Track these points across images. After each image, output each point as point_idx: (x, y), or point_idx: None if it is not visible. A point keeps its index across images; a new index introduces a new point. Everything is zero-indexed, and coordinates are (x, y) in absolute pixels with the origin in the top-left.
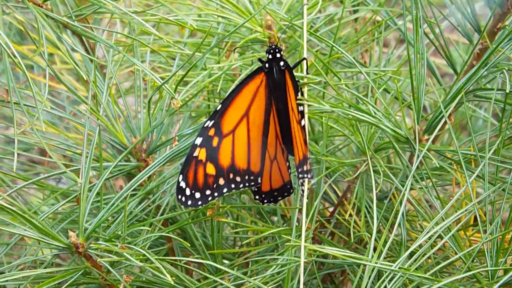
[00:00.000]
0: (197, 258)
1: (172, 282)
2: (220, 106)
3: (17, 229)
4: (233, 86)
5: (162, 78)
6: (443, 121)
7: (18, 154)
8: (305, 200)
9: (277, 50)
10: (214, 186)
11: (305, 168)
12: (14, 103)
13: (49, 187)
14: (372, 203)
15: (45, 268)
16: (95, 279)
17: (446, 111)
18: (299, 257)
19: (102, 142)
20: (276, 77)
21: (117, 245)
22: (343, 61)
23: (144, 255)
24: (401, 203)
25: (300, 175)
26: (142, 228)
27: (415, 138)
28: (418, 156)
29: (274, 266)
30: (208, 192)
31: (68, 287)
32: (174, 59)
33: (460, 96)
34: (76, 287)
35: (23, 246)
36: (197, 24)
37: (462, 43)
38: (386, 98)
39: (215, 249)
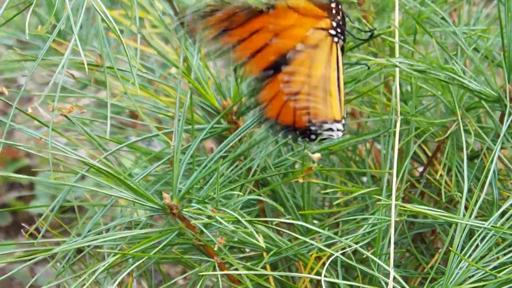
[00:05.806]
0: (288, 218)
1: (263, 245)
2: None
3: (113, 191)
4: None
5: None
6: None
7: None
8: (395, 159)
9: None
10: None
11: None
12: (107, 67)
13: (142, 150)
14: (463, 162)
15: (140, 229)
16: (189, 240)
17: None
18: (390, 217)
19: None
20: None
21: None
22: (431, 20)
23: (235, 216)
24: (492, 162)
25: None
26: (233, 192)
27: (506, 97)
28: (509, 115)
29: (366, 226)
30: None
31: (163, 247)
32: None
33: None
34: (170, 247)
35: (115, 207)
36: None
37: None
38: (475, 57)
39: (305, 210)
